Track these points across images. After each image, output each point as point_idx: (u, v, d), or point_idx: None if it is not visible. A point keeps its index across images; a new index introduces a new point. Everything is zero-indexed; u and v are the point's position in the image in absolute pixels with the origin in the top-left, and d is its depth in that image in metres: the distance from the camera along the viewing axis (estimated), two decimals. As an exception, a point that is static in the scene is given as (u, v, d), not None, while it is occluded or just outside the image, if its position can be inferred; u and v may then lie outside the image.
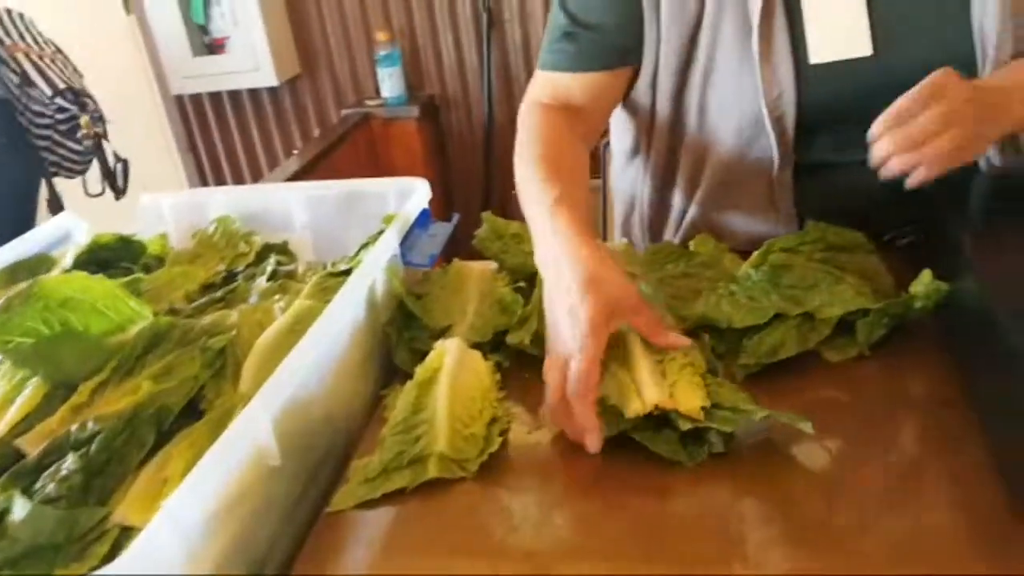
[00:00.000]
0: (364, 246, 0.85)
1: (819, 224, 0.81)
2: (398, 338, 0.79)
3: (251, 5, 2.46)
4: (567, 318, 0.65)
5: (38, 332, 0.63)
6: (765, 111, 0.83)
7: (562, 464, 0.64)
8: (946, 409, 0.64)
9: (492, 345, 0.77)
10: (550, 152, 0.84)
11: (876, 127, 0.70)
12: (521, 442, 0.67)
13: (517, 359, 0.77)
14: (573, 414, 0.62)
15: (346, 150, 2.43)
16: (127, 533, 0.54)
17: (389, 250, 0.81)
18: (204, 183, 2.98)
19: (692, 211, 0.96)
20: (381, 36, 2.46)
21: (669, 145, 0.94)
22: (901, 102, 0.69)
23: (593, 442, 0.62)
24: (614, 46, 0.89)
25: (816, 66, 0.83)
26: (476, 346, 0.76)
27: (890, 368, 0.69)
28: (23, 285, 0.64)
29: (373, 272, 0.77)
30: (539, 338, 0.75)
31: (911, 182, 0.69)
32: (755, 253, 0.81)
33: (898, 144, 0.68)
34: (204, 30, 2.61)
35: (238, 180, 2.96)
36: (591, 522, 0.58)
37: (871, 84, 0.77)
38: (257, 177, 2.92)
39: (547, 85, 0.93)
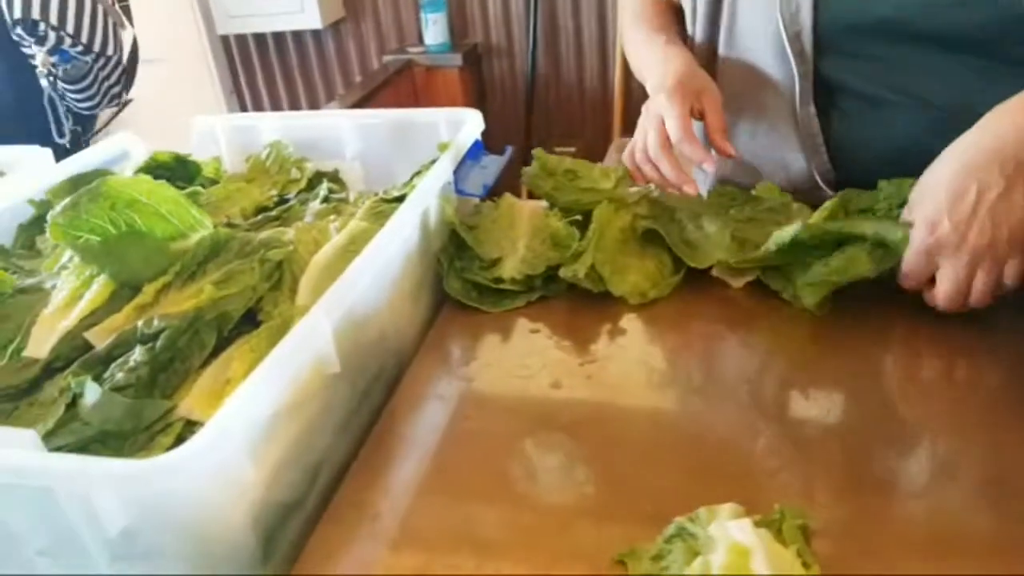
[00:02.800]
0: (417, 173, 0.85)
1: (893, 181, 0.78)
2: (449, 266, 0.79)
3: (300, -56, 2.44)
4: (658, 98, 0.83)
5: (105, 231, 0.64)
6: (783, 27, 0.84)
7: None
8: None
9: (544, 279, 0.78)
10: (656, 18, 1.01)
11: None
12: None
13: (568, 296, 0.77)
14: (674, 165, 0.80)
15: (387, 97, 2.43)
16: (190, 427, 0.55)
17: (443, 177, 0.81)
18: (246, 124, 2.99)
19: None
20: (427, -19, 2.44)
21: (709, 73, 0.94)
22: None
23: (692, 188, 0.79)
24: None
25: None
26: (528, 279, 0.77)
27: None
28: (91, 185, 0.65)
29: (427, 198, 0.77)
30: (593, 272, 0.75)
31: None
32: (828, 204, 0.78)
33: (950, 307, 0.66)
34: (251, -32, 2.60)
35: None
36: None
37: (890, 5, 0.77)
38: (298, 120, 2.93)
39: None
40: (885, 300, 0.71)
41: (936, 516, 0.50)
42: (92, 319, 0.63)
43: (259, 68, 2.87)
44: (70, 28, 1.98)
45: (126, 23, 2.35)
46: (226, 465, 0.47)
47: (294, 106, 2.92)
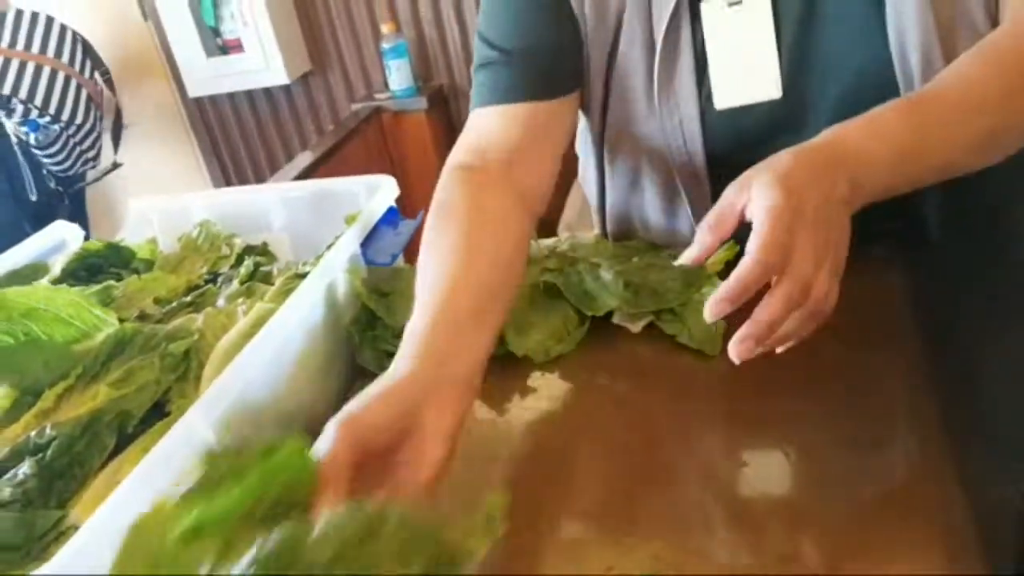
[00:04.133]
0: (329, 246, 0.87)
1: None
2: (361, 338, 0.81)
3: (259, 5, 2.49)
4: None
5: (3, 342, 0.66)
6: (672, 158, 0.81)
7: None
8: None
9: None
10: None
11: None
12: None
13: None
14: None
15: (357, 144, 2.46)
16: (82, 534, 0.57)
17: (348, 249, 0.82)
18: (228, 182, 3.05)
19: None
20: (386, 28, 2.48)
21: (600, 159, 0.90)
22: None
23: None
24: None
25: (722, 111, 0.77)
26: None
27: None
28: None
29: (332, 272, 0.79)
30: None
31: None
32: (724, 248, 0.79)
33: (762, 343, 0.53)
34: (216, 32, 2.65)
35: (259, 178, 3.02)
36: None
37: (778, 125, 0.76)
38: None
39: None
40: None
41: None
42: (-6, 431, 0.65)
43: (234, 125, 2.92)
44: (38, 101, 2.11)
45: (107, 92, 2.43)
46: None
47: (271, 158, 2.96)
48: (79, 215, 2.46)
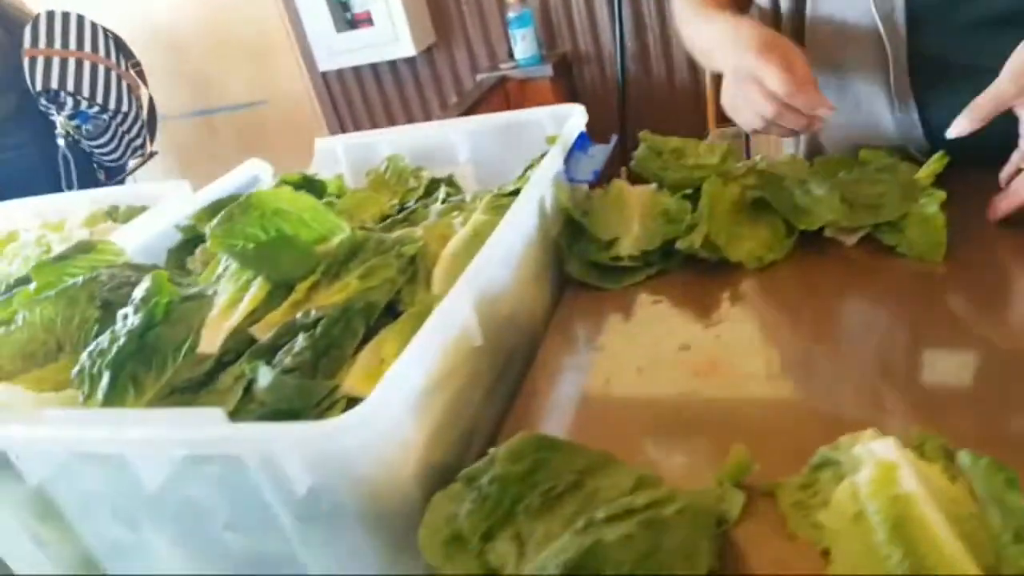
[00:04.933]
0: (529, 167, 0.89)
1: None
2: (569, 249, 0.83)
3: (388, -23, 2.56)
4: (745, 62, 0.81)
5: (257, 238, 0.71)
6: (874, 8, 0.83)
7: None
8: None
9: (661, 254, 0.80)
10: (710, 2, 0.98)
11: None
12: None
13: (685, 268, 0.79)
14: (795, 113, 0.78)
15: (482, 113, 2.50)
16: (352, 404, 0.60)
17: (554, 167, 0.84)
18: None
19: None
20: (512, -2, 2.50)
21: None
22: None
23: (827, 108, 0.77)
24: None
25: None
26: (645, 255, 0.79)
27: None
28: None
29: (541, 187, 0.81)
30: (709, 242, 0.76)
31: None
32: (934, 161, 0.79)
33: None
34: (345, 6, 2.73)
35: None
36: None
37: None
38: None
39: None
40: (1006, 242, 0.70)
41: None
42: (253, 317, 0.70)
43: (360, 99, 3.01)
44: (86, 92, 2.23)
45: (140, 84, 2.53)
46: (393, 425, 0.51)
47: (393, 133, 3.03)
48: None
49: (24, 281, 0.86)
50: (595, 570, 0.40)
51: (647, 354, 0.67)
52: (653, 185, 0.91)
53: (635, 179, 0.93)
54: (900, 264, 0.72)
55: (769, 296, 0.73)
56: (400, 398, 0.52)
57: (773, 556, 0.44)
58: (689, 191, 0.85)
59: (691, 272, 0.78)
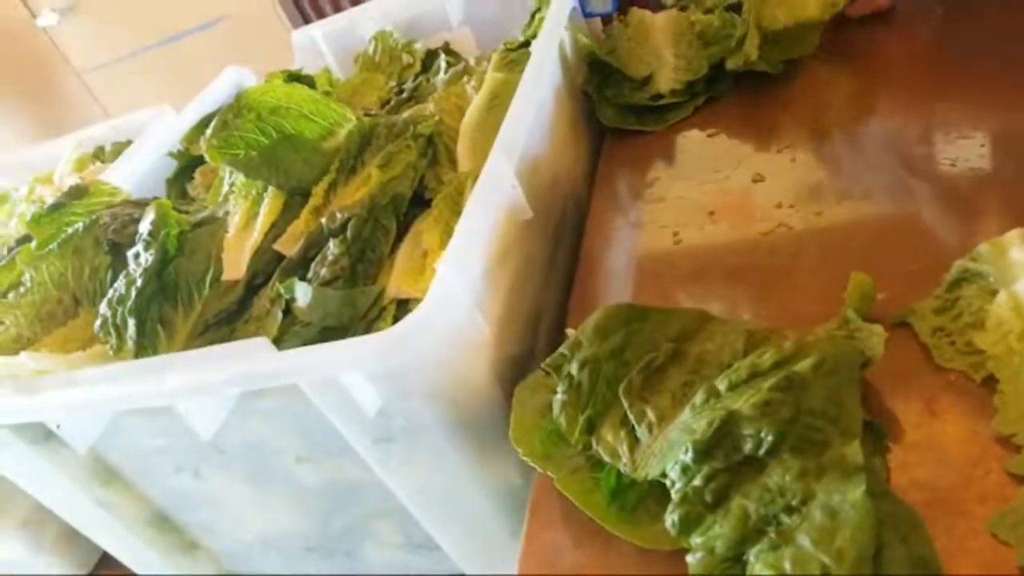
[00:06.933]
0: (536, 11, 0.79)
1: None
2: (599, 96, 0.74)
3: None
4: None
5: (258, 142, 0.63)
6: None
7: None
8: None
9: (708, 80, 0.71)
10: None
11: None
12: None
13: (736, 91, 0.70)
14: None
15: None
16: (403, 308, 0.54)
17: (567, 3, 0.74)
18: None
19: None
20: None
21: None
22: None
23: None
24: None
25: None
26: (688, 85, 0.71)
27: None
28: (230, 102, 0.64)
29: (558, 29, 0.71)
30: (769, 52, 0.67)
31: None
32: None
33: None
34: None
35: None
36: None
37: None
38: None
39: None
40: None
41: None
42: (274, 232, 0.63)
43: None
44: None
45: None
46: (459, 321, 0.45)
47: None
48: None
49: (25, 240, 0.79)
50: (732, 446, 0.34)
51: (716, 195, 0.60)
52: (673, 8, 0.81)
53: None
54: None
55: (843, 108, 0.64)
56: (462, 289, 0.46)
57: (925, 395, 0.38)
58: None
59: (743, 94, 0.69)
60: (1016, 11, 0.63)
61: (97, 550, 0.69)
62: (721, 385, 0.38)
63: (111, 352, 0.58)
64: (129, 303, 0.58)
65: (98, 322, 0.59)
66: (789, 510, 0.32)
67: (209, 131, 0.63)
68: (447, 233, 0.54)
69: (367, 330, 0.54)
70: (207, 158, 0.63)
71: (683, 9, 0.80)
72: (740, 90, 0.69)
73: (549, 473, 0.42)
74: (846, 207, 0.53)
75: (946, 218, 0.48)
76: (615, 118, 0.72)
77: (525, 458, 0.43)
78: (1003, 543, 0.32)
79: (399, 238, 0.61)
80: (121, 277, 0.60)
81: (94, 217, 0.71)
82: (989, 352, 0.37)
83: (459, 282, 0.45)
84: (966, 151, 0.53)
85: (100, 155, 1.14)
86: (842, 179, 0.56)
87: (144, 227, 0.62)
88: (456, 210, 0.58)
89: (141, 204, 0.73)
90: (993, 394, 0.37)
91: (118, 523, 0.63)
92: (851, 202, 0.53)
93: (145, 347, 0.58)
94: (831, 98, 0.65)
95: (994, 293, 0.39)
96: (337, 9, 2.57)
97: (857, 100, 0.64)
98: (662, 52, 0.75)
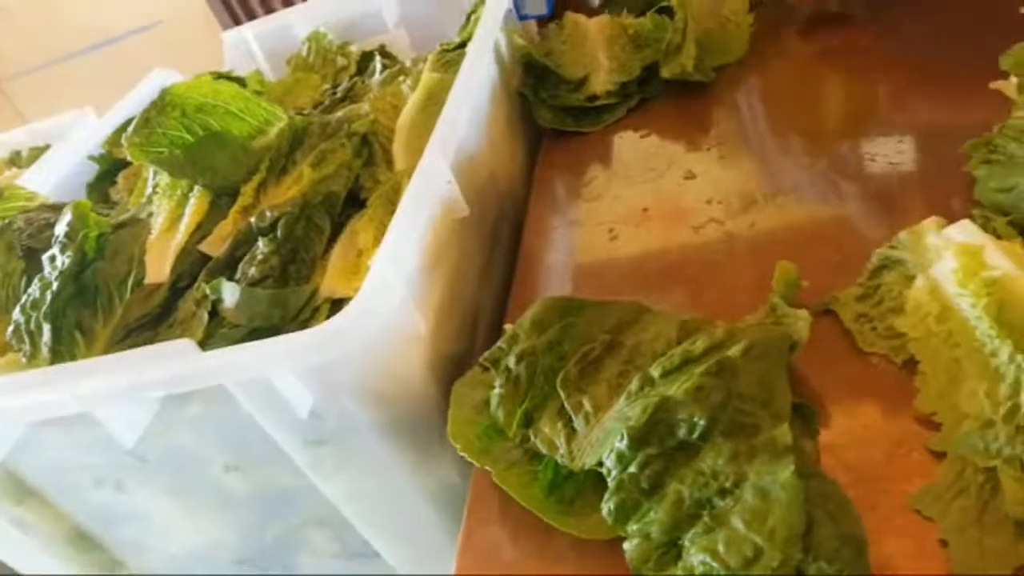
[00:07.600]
0: (471, 12, 0.79)
1: None
2: (535, 97, 0.74)
3: None
4: None
5: (183, 140, 0.61)
6: None
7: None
8: None
9: (640, 81, 0.72)
10: None
11: None
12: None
13: (667, 93, 0.71)
14: None
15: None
16: (337, 307, 0.53)
17: (502, 5, 0.74)
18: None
19: None
20: None
21: None
22: None
23: None
24: None
25: None
26: (622, 87, 0.71)
27: None
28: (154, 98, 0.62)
29: (494, 30, 0.71)
30: (702, 61, 0.68)
31: None
32: None
33: None
34: None
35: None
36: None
37: None
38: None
39: None
40: None
41: None
42: (200, 233, 0.61)
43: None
44: None
45: None
46: (394, 317, 0.44)
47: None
48: None
49: (-65, 249, 0.75)
50: (666, 432, 0.34)
51: (650, 193, 0.60)
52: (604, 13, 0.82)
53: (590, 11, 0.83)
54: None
55: (765, 107, 0.66)
56: (397, 285, 0.45)
57: (845, 377, 0.39)
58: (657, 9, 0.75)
59: (673, 96, 0.70)
60: (927, 21, 0.66)
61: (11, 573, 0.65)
62: (655, 372, 0.38)
63: (24, 360, 0.56)
64: (44, 308, 0.55)
65: (10, 328, 0.56)
66: (722, 493, 0.32)
67: (131, 129, 0.60)
68: (382, 232, 0.52)
69: (300, 329, 0.52)
70: (129, 157, 0.60)
71: (613, 11, 0.81)
72: (672, 91, 0.70)
73: (487, 468, 0.41)
74: (774, 203, 0.54)
75: (868, 210, 0.50)
76: (551, 119, 0.73)
77: (463, 453, 0.42)
78: (927, 518, 0.32)
79: (333, 238, 0.60)
80: (36, 281, 0.57)
81: (7, 221, 0.68)
82: (909, 335, 0.38)
83: (394, 276, 0.44)
84: (885, 147, 0.54)
85: (16, 160, 1.10)
86: (770, 176, 0.57)
87: (61, 229, 0.59)
88: (392, 209, 0.56)
89: (59, 208, 0.70)
90: (914, 376, 0.37)
91: (34, 543, 0.60)
92: (779, 197, 0.54)
93: (61, 354, 0.55)
94: (759, 99, 0.67)
95: (913, 279, 0.40)
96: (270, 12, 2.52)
97: (783, 101, 0.66)
98: (596, 55, 0.76)
